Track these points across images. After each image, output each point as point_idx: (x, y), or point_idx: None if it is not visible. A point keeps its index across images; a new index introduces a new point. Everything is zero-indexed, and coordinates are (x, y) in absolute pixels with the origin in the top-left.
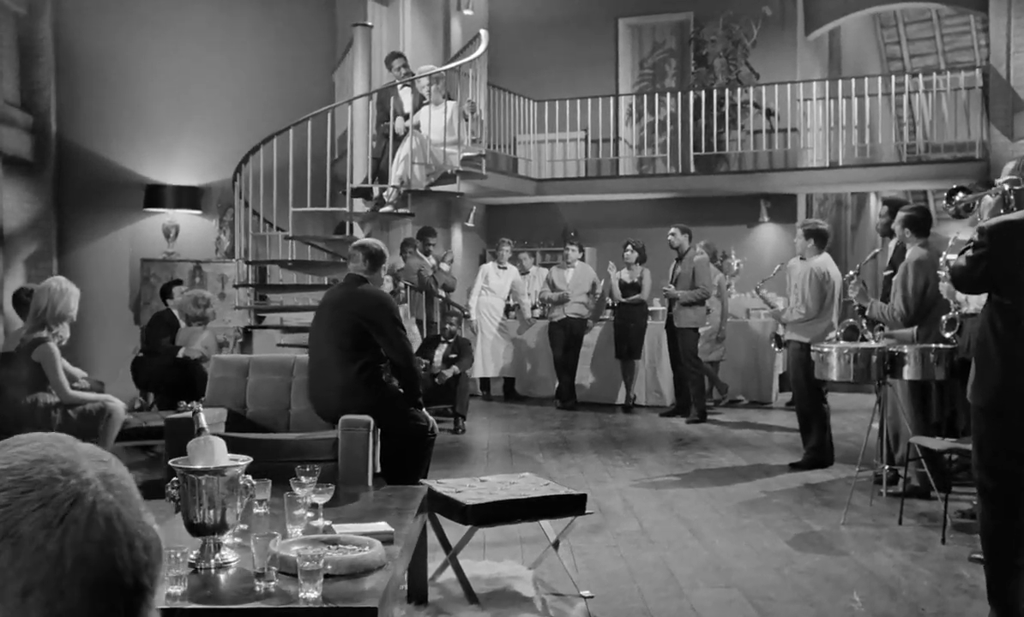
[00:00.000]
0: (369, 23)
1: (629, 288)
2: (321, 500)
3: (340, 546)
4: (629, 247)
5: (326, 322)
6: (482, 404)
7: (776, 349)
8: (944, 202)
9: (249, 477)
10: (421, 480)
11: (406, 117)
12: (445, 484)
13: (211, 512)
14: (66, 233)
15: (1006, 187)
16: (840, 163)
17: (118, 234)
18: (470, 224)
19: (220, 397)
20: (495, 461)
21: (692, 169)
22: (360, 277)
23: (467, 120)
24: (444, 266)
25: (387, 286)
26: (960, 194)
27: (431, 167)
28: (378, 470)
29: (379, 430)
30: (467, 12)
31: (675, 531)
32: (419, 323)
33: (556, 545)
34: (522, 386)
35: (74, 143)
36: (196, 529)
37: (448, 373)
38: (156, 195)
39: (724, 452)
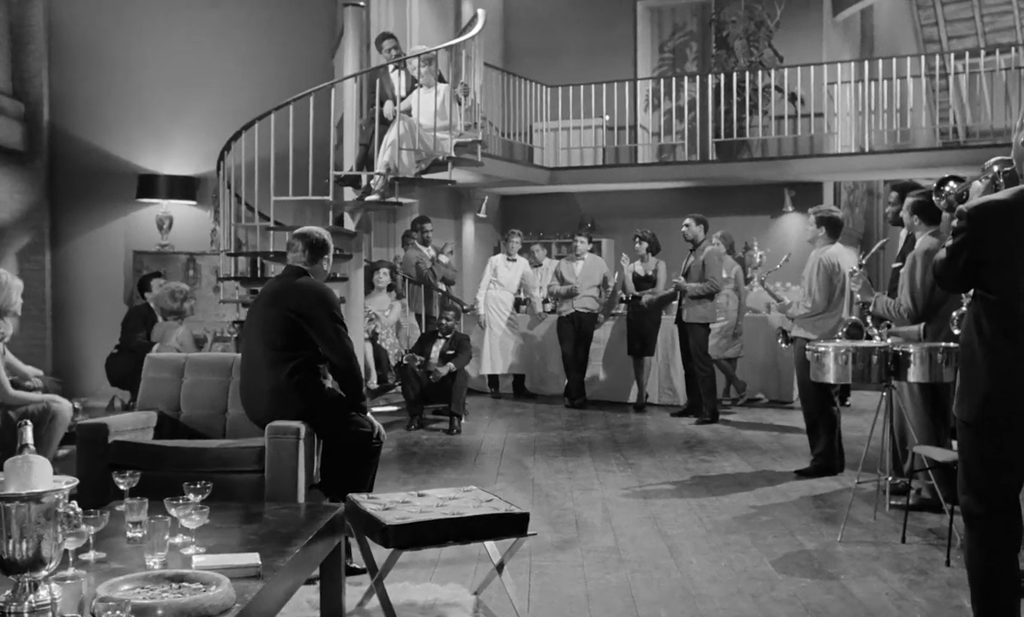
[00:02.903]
0: (361, 3)
1: (643, 281)
2: (191, 524)
3: (184, 585)
4: (638, 239)
5: (259, 318)
6: (489, 402)
7: (783, 346)
8: (933, 195)
9: (74, 504)
10: (350, 495)
11: (398, 101)
12: (376, 500)
13: (22, 545)
14: (59, 225)
15: (996, 168)
16: (872, 149)
17: (111, 225)
18: (482, 215)
19: (153, 399)
20: (483, 466)
21: (713, 156)
22: (299, 269)
23: (460, 104)
24: (443, 258)
25: (385, 279)
26: (951, 184)
27: (421, 153)
28: (319, 481)
29: (322, 439)
30: None
31: (651, 549)
32: (418, 317)
33: (500, 568)
34: (532, 383)
35: (67, 132)
36: (6, 566)
37: (443, 371)
38: (149, 185)
39: (729, 456)
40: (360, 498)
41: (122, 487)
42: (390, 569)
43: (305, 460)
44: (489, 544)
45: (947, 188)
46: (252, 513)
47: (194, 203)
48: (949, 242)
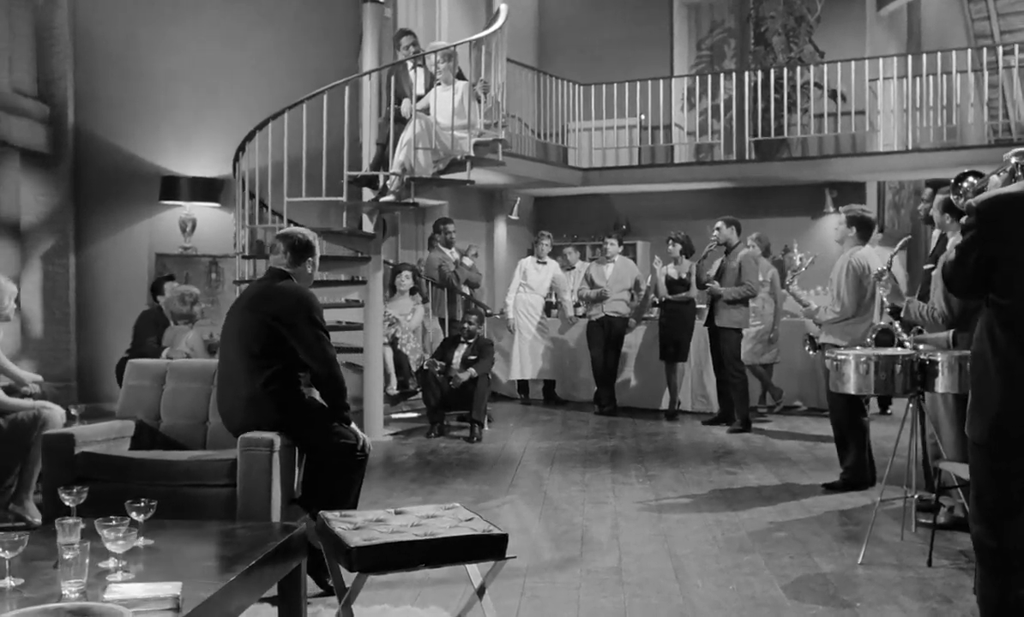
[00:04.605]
0: (380, 0)
1: (676, 285)
2: (117, 549)
3: None
4: (672, 241)
5: (236, 323)
6: (517, 409)
7: (811, 353)
8: (951, 194)
9: None
10: (322, 512)
11: (417, 100)
12: (349, 518)
13: None
14: (83, 227)
15: (1014, 159)
16: (918, 146)
17: (135, 228)
18: (514, 217)
19: (132, 407)
20: (496, 476)
21: (751, 156)
22: (281, 272)
23: (480, 102)
24: (467, 261)
25: (407, 282)
26: (970, 179)
27: (438, 153)
28: (299, 495)
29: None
30: None
31: (656, 570)
32: (441, 321)
33: (481, 592)
34: (563, 389)
35: (91, 134)
36: None
37: (464, 376)
38: (172, 187)
39: (756, 468)
40: (332, 516)
41: (68, 503)
42: (357, 594)
43: (282, 474)
44: (471, 566)
45: (966, 184)
46: (205, 532)
47: (217, 205)
48: (959, 241)
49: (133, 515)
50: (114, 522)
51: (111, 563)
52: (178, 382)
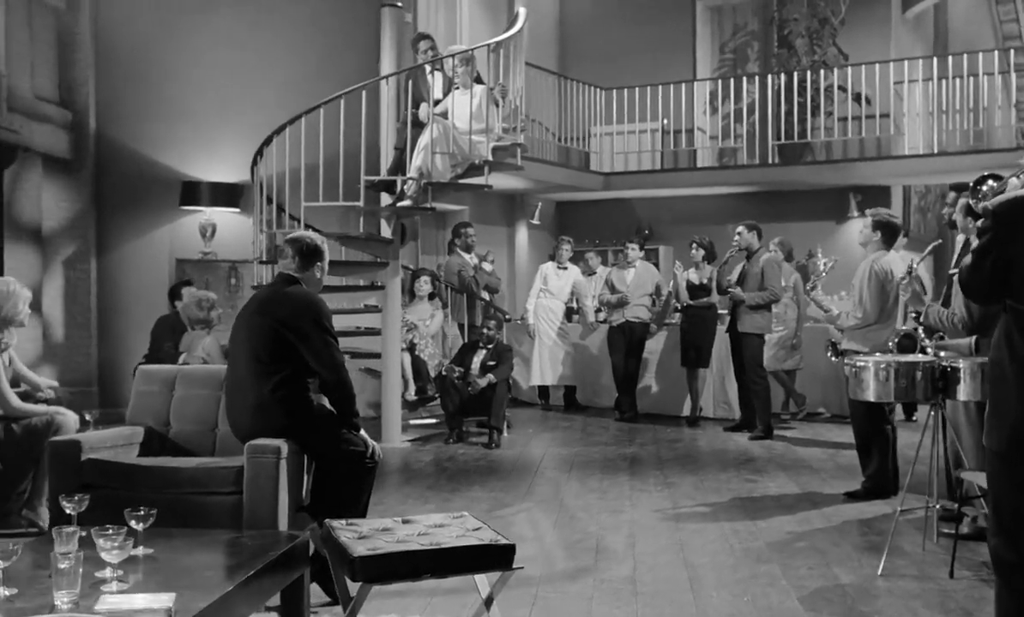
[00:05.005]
0: (399, 4)
1: (697, 290)
2: (112, 558)
3: None
4: (695, 245)
5: (245, 329)
6: (538, 415)
7: (833, 359)
8: (970, 198)
9: None
10: (328, 521)
11: (435, 104)
12: (355, 527)
13: None
14: (105, 233)
15: None
16: (943, 150)
17: (156, 233)
18: (536, 222)
19: (142, 414)
20: (513, 483)
21: (774, 160)
22: (290, 277)
23: (498, 106)
24: (487, 266)
25: (426, 287)
26: (989, 182)
27: (456, 157)
28: (308, 503)
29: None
30: None
31: (670, 580)
32: (460, 327)
33: (489, 603)
34: (584, 395)
35: (113, 140)
36: None
37: (482, 382)
38: (192, 192)
39: (776, 476)
40: (337, 524)
41: (68, 511)
42: (361, 604)
43: (290, 481)
44: (480, 577)
45: (985, 187)
46: (206, 541)
47: (237, 210)
48: (975, 245)
49: (132, 523)
50: (111, 531)
51: (107, 573)
52: (188, 388)
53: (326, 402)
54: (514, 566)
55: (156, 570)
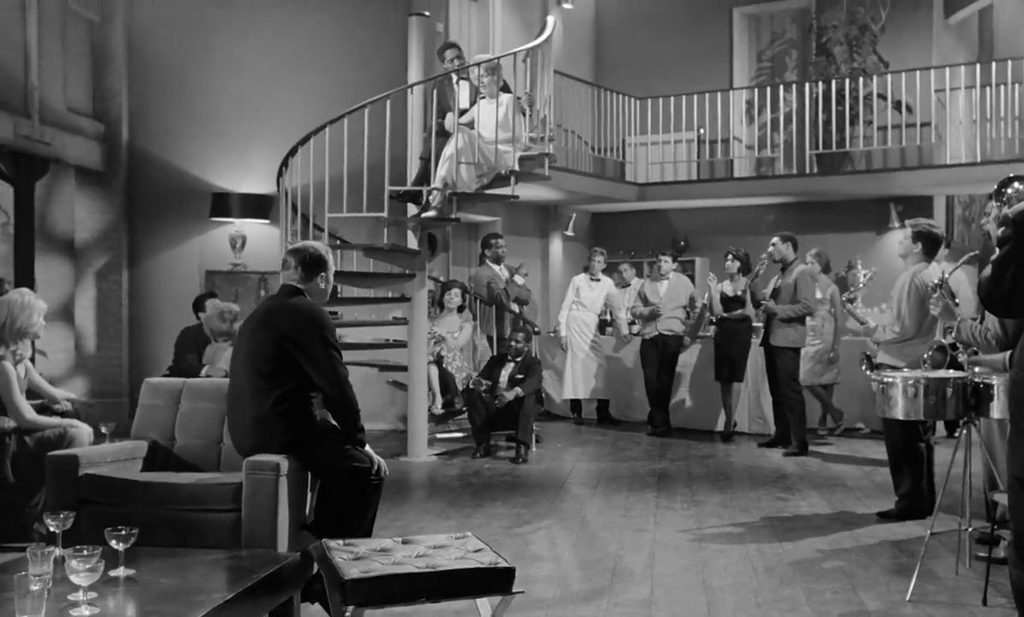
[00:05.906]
0: (427, 13)
1: (732, 302)
2: (81, 581)
3: None
4: (730, 256)
5: (247, 342)
6: (569, 429)
7: (867, 373)
8: (992, 201)
9: None
10: (324, 540)
11: (461, 114)
12: (353, 547)
13: None
14: (136, 244)
15: None
16: (987, 158)
17: (187, 244)
18: (570, 233)
19: (147, 428)
20: (536, 499)
21: (813, 169)
22: (293, 288)
23: (525, 115)
24: (518, 278)
25: (456, 299)
26: (1015, 184)
27: (482, 167)
28: (311, 521)
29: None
30: (567, 5)
31: (687, 603)
32: (489, 339)
33: None
34: (617, 409)
35: (145, 151)
36: None
37: (509, 395)
38: (222, 204)
39: (808, 494)
40: (334, 544)
41: (52, 529)
42: None
43: (291, 499)
44: (482, 600)
45: (1010, 190)
46: (190, 561)
47: (267, 222)
48: (994, 256)
49: (112, 543)
50: (85, 552)
51: (80, 595)
52: (193, 402)
53: (330, 418)
54: (515, 590)
55: (134, 593)
